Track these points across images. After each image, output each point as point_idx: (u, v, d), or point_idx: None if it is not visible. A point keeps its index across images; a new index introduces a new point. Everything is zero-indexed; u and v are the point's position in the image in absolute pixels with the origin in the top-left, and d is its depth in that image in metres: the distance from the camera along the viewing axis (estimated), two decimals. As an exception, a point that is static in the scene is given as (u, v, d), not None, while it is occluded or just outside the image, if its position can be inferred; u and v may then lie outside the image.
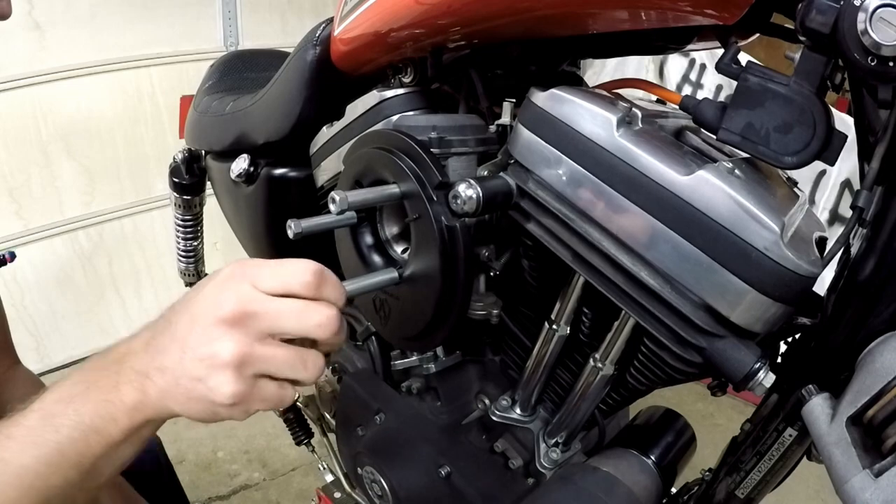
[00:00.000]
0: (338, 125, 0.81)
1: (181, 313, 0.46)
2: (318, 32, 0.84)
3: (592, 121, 0.53)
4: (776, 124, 0.46)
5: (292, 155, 0.92)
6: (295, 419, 1.15)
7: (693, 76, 2.17)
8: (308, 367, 0.46)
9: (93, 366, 0.48)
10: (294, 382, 0.48)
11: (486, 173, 0.63)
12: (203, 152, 1.23)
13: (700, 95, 1.05)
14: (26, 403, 0.47)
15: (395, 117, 0.72)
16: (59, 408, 0.45)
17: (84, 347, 2.28)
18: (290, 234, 0.55)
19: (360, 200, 0.60)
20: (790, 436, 0.55)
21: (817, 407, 0.45)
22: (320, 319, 0.46)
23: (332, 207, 0.56)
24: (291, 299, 0.45)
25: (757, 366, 0.49)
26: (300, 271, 0.46)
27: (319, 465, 1.15)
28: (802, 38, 0.44)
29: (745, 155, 0.51)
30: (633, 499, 0.63)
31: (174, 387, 0.45)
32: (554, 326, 0.65)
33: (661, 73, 2.22)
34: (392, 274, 0.63)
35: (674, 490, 0.73)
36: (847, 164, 1.79)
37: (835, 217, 1.87)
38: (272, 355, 0.45)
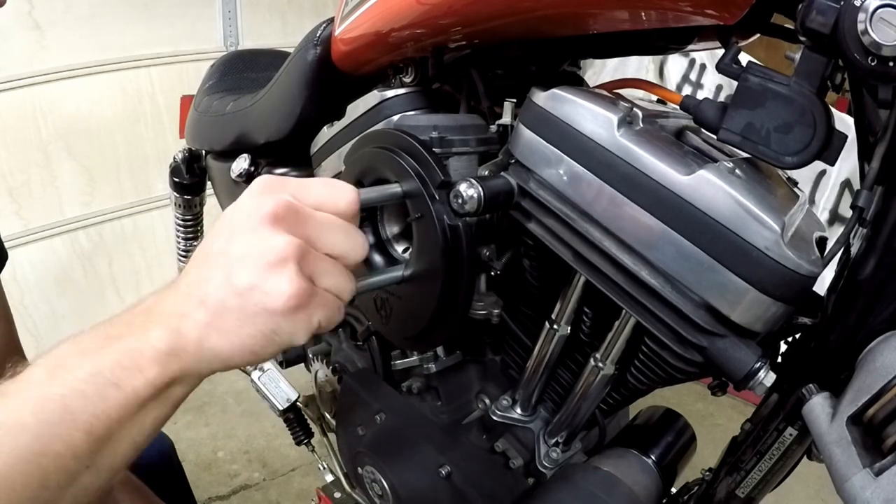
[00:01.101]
0: (338, 125, 0.81)
1: (215, 239, 0.41)
2: (319, 32, 0.84)
3: (593, 120, 0.53)
4: (776, 124, 0.47)
5: (293, 155, 0.92)
6: (295, 419, 1.15)
7: (693, 76, 2.17)
8: (349, 277, 0.44)
9: (112, 321, 0.40)
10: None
11: (487, 173, 0.63)
12: (203, 152, 1.23)
13: (700, 95, 1.05)
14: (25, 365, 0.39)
15: (395, 117, 0.72)
16: (71, 360, 0.37)
17: (84, 347, 2.27)
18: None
19: (361, 200, 0.59)
20: (790, 435, 0.55)
21: (818, 406, 0.45)
22: (361, 241, 0.44)
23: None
24: (334, 216, 0.43)
25: (757, 365, 0.49)
26: (345, 194, 0.44)
27: (319, 465, 1.15)
28: (802, 39, 0.44)
29: (745, 155, 0.51)
30: (633, 498, 0.63)
31: (220, 314, 0.38)
32: (554, 326, 0.65)
33: (661, 73, 2.22)
34: (398, 272, 0.63)
35: (674, 490, 0.73)
36: (847, 164, 1.79)
37: (835, 217, 1.87)
38: (324, 257, 0.42)
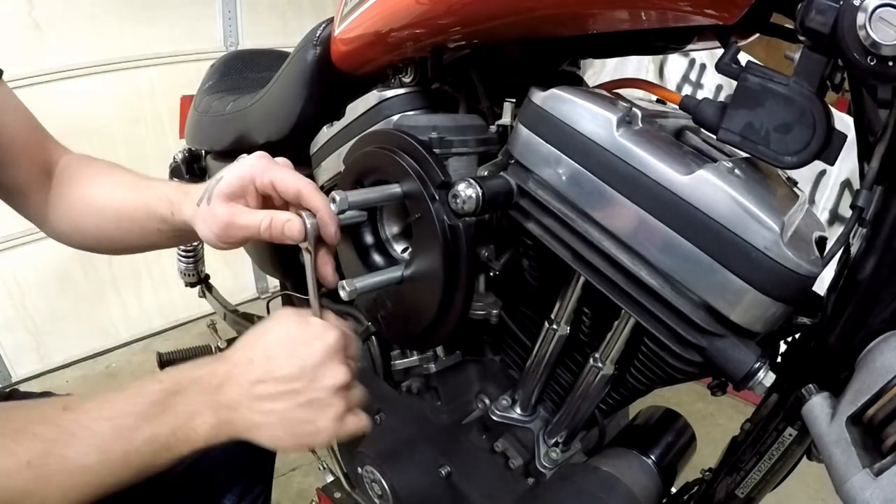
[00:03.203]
0: (338, 125, 0.81)
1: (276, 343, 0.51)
2: (319, 32, 0.84)
3: (592, 120, 0.53)
4: (776, 124, 0.47)
5: (292, 155, 0.90)
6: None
7: (693, 76, 2.16)
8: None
9: (167, 387, 0.49)
10: None
11: (486, 173, 0.63)
12: (203, 152, 1.23)
13: (700, 95, 1.04)
14: (85, 399, 0.48)
15: (395, 117, 0.72)
16: (132, 422, 0.47)
17: (84, 347, 2.27)
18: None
19: (361, 200, 0.60)
20: (790, 435, 0.55)
21: (817, 406, 0.45)
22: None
23: (331, 207, 0.56)
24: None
25: (757, 365, 0.49)
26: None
27: (319, 465, 1.15)
28: (802, 38, 0.44)
29: (745, 155, 0.51)
30: (633, 498, 0.63)
31: (274, 424, 0.50)
32: (554, 326, 0.65)
33: (661, 73, 2.22)
34: (397, 272, 0.63)
35: (674, 490, 0.73)
36: (847, 164, 1.78)
37: (835, 217, 1.87)
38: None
